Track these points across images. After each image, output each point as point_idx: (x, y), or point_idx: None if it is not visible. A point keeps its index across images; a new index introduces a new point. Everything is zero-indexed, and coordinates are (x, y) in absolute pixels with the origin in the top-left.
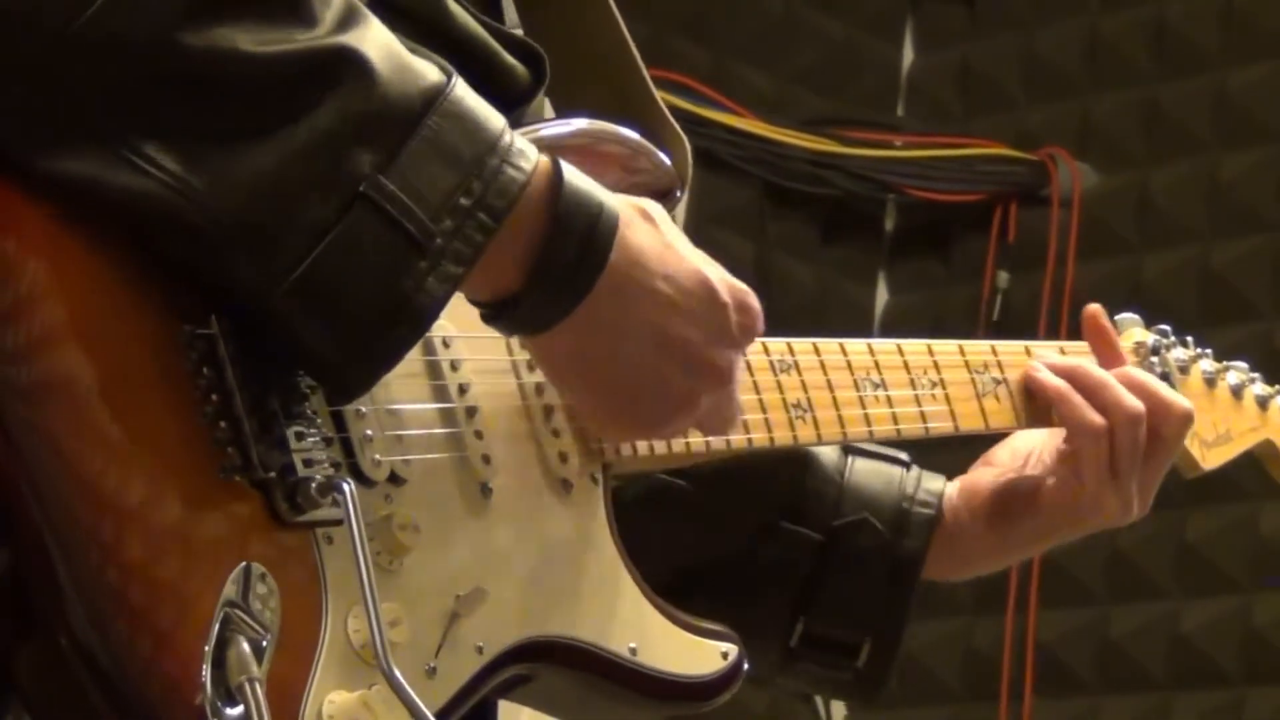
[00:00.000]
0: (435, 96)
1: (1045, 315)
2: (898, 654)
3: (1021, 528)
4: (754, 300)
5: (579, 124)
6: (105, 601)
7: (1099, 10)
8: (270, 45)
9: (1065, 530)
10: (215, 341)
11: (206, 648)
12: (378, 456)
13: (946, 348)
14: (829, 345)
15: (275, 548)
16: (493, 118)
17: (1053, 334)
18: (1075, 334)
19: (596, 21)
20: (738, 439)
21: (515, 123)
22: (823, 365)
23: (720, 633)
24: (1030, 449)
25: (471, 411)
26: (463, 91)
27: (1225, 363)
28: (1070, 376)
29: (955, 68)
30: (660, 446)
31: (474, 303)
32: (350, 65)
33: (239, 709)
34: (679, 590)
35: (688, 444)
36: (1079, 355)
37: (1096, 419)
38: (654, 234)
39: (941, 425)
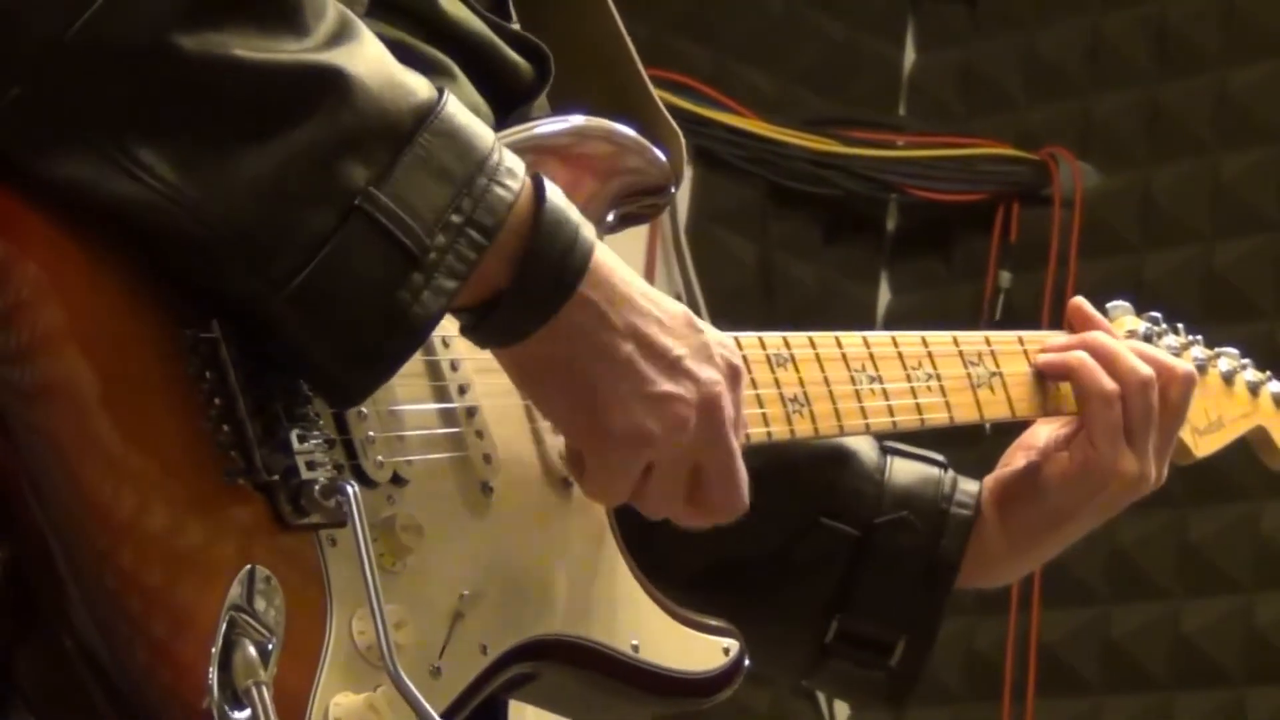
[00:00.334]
0: (426, 113)
1: (1047, 315)
2: (931, 655)
3: (1033, 511)
4: (733, 346)
5: (576, 120)
6: (109, 603)
7: (1100, 10)
8: (263, 53)
9: (1084, 504)
10: (217, 345)
11: (213, 650)
12: (380, 458)
13: (941, 339)
14: (825, 339)
15: (279, 550)
16: (482, 135)
17: None
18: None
19: (593, 17)
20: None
21: (521, 120)
22: (819, 359)
23: (721, 628)
24: (1037, 441)
25: (472, 411)
26: (454, 109)
27: (1216, 349)
28: (1083, 346)
29: (957, 67)
30: None
31: (453, 313)
32: (341, 79)
33: (246, 712)
34: (712, 583)
35: None
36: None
37: (1110, 383)
38: (628, 268)
39: (937, 417)
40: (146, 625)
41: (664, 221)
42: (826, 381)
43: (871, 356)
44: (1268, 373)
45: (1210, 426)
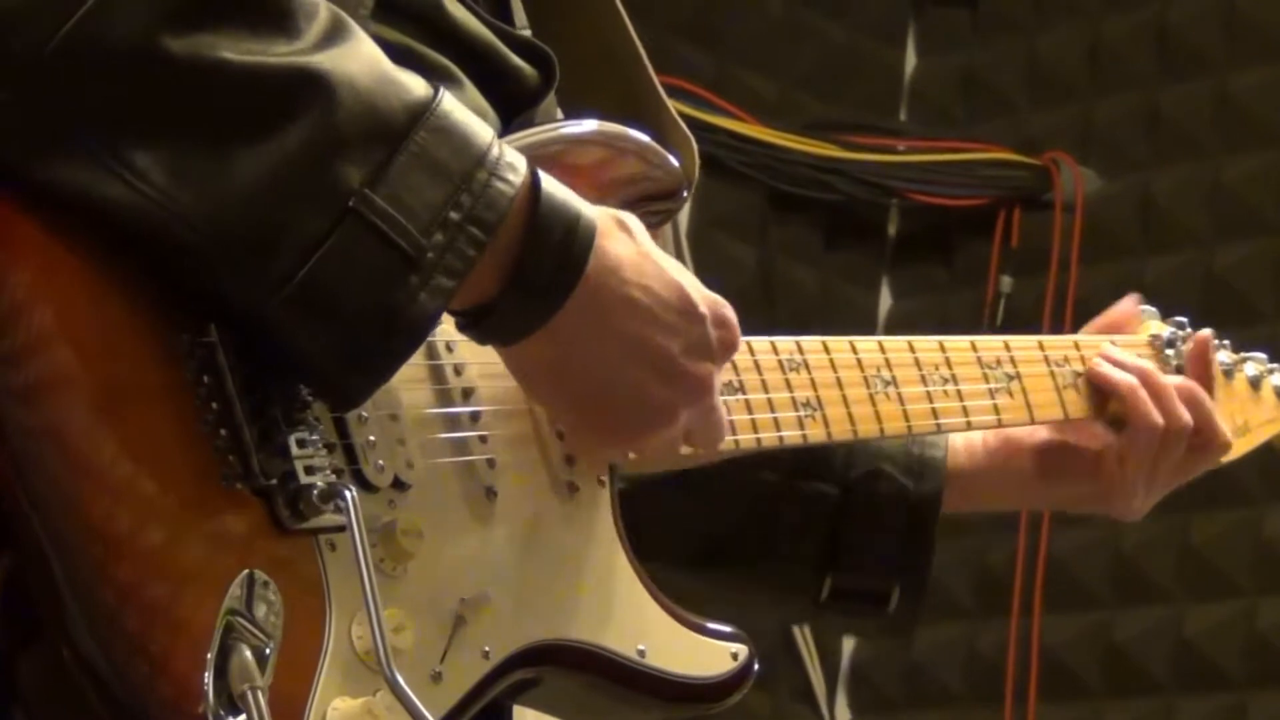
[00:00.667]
0: (421, 111)
1: (1049, 319)
2: (926, 594)
3: (1058, 490)
4: (731, 314)
5: (589, 125)
6: (106, 610)
7: (1101, 14)
8: (252, 56)
9: (1086, 506)
10: (215, 349)
11: (209, 655)
12: (381, 462)
13: (958, 344)
14: (839, 343)
15: (278, 555)
16: (480, 131)
17: None
18: None
19: (604, 22)
20: (746, 439)
21: (526, 124)
22: (832, 364)
23: (729, 633)
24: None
25: (475, 416)
26: (450, 106)
27: (1243, 354)
28: (1138, 375)
29: (958, 72)
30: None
31: (450, 312)
32: (331, 80)
33: (241, 718)
34: (706, 560)
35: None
36: (1092, 349)
37: (1159, 418)
38: (631, 244)
39: (954, 421)
40: (143, 632)
41: (665, 227)
42: (840, 385)
43: (887, 361)
44: None
45: (1236, 431)
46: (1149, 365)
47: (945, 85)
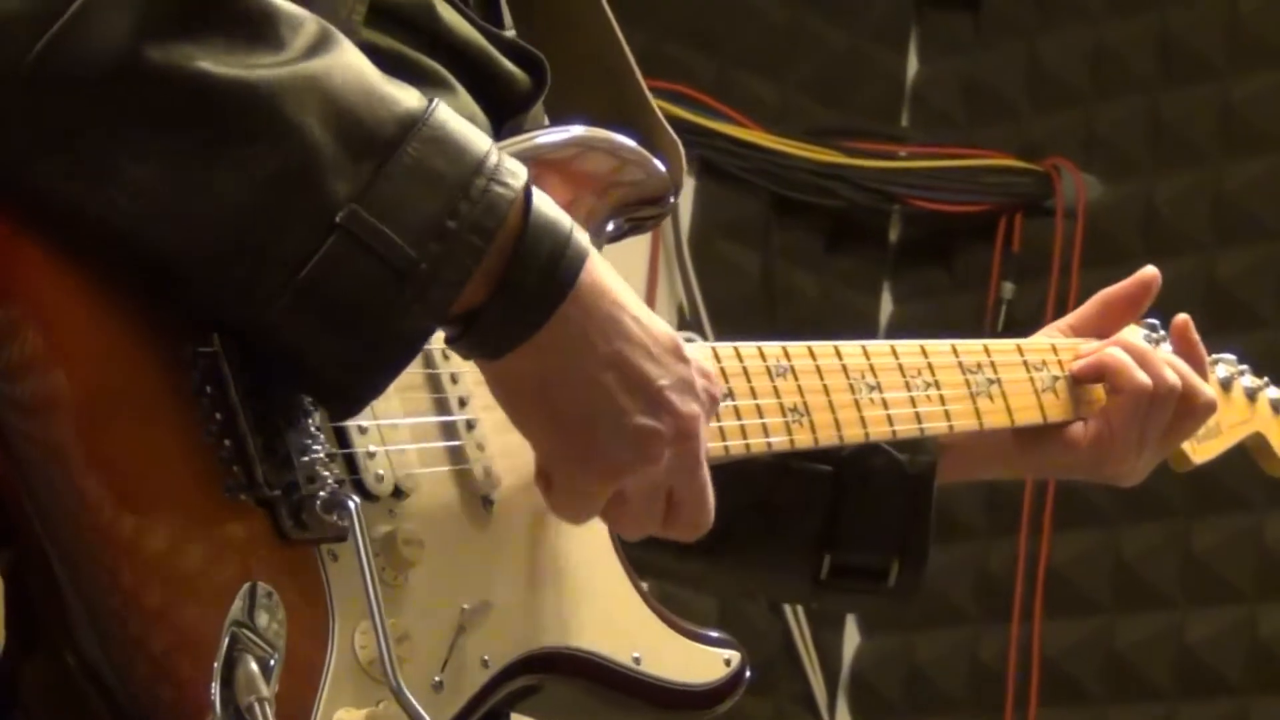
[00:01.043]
0: (412, 123)
1: None
2: (926, 566)
3: (1043, 456)
4: (713, 369)
5: (576, 131)
6: (111, 620)
7: (1103, 20)
8: (233, 69)
9: (1079, 473)
10: (217, 359)
11: (216, 665)
12: (381, 471)
13: (940, 348)
14: (824, 349)
15: (281, 565)
16: (477, 139)
17: None
18: None
19: (592, 27)
20: (736, 445)
21: (516, 129)
22: (818, 370)
23: (722, 640)
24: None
25: (472, 424)
26: (444, 116)
27: (1214, 355)
28: (1119, 344)
29: (960, 78)
30: None
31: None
32: (316, 93)
33: None
34: (702, 544)
35: None
36: (1069, 353)
37: (1145, 379)
38: (620, 279)
39: (937, 425)
40: (148, 641)
41: (666, 232)
42: (826, 391)
43: (871, 366)
44: (1265, 379)
45: (1208, 433)
46: (1127, 337)
47: (947, 91)
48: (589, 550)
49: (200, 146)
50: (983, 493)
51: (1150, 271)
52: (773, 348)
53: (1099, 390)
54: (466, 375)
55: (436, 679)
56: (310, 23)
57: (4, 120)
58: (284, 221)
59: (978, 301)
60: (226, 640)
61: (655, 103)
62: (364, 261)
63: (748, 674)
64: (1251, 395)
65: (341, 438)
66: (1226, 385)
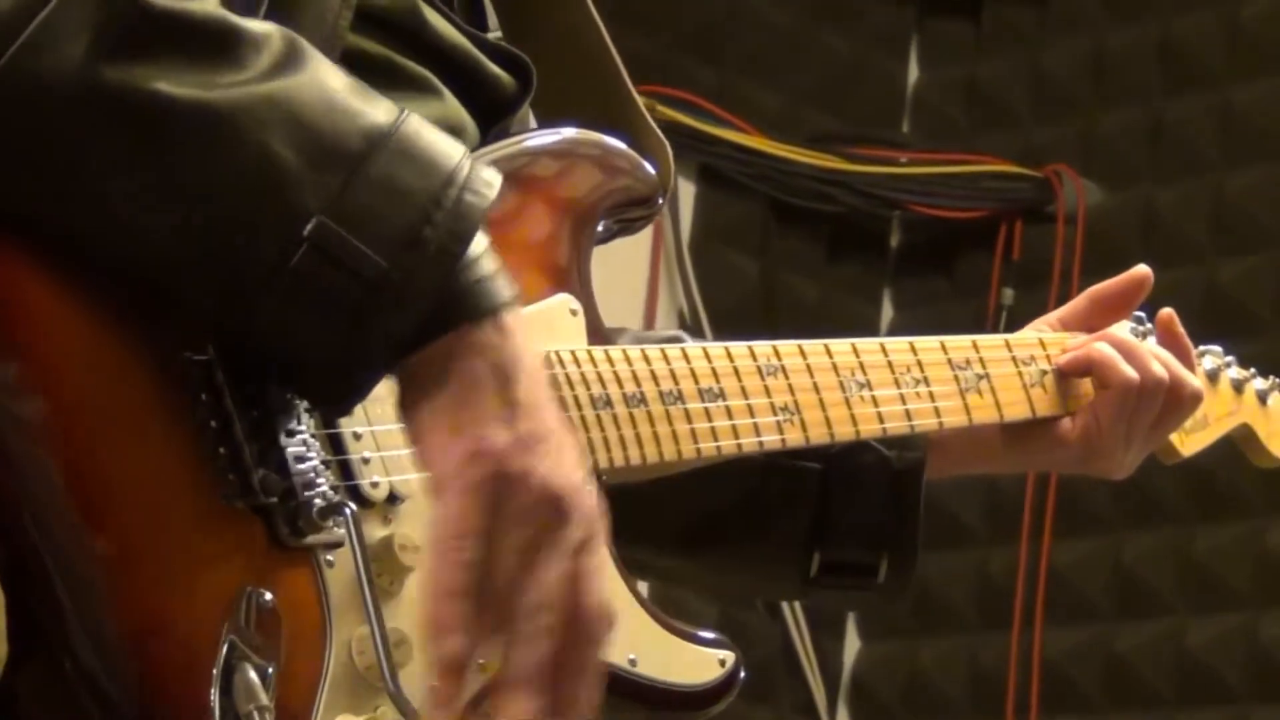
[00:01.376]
0: (380, 136)
1: None
2: (916, 564)
3: (1031, 451)
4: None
5: (566, 133)
6: (109, 627)
7: (1103, 27)
8: (192, 89)
9: (1064, 465)
10: (212, 367)
11: (215, 671)
12: (376, 477)
13: (928, 345)
14: (814, 347)
15: (277, 573)
16: (448, 150)
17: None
18: None
19: (579, 29)
20: (727, 444)
21: (503, 132)
22: (808, 368)
23: (717, 640)
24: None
25: None
26: (414, 129)
27: (1201, 348)
28: (1104, 339)
29: (961, 85)
30: (652, 455)
31: None
32: (277, 111)
33: None
34: (691, 541)
35: (679, 451)
36: (1056, 347)
37: (1132, 373)
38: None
39: (926, 422)
40: (146, 650)
41: (667, 237)
42: (817, 389)
43: (861, 364)
44: (1251, 370)
45: (1195, 425)
46: (1113, 331)
47: (948, 98)
48: None
49: (160, 166)
50: (983, 498)
51: (1143, 270)
52: (763, 346)
53: (1087, 384)
54: None
55: (433, 684)
56: (277, 40)
57: None
58: (249, 237)
59: (978, 307)
60: (225, 648)
61: (643, 103)
62: (333, 273)
63: (742, 674)
64: (1238, 387)
65: (336, 444)
66: (1214, 377)
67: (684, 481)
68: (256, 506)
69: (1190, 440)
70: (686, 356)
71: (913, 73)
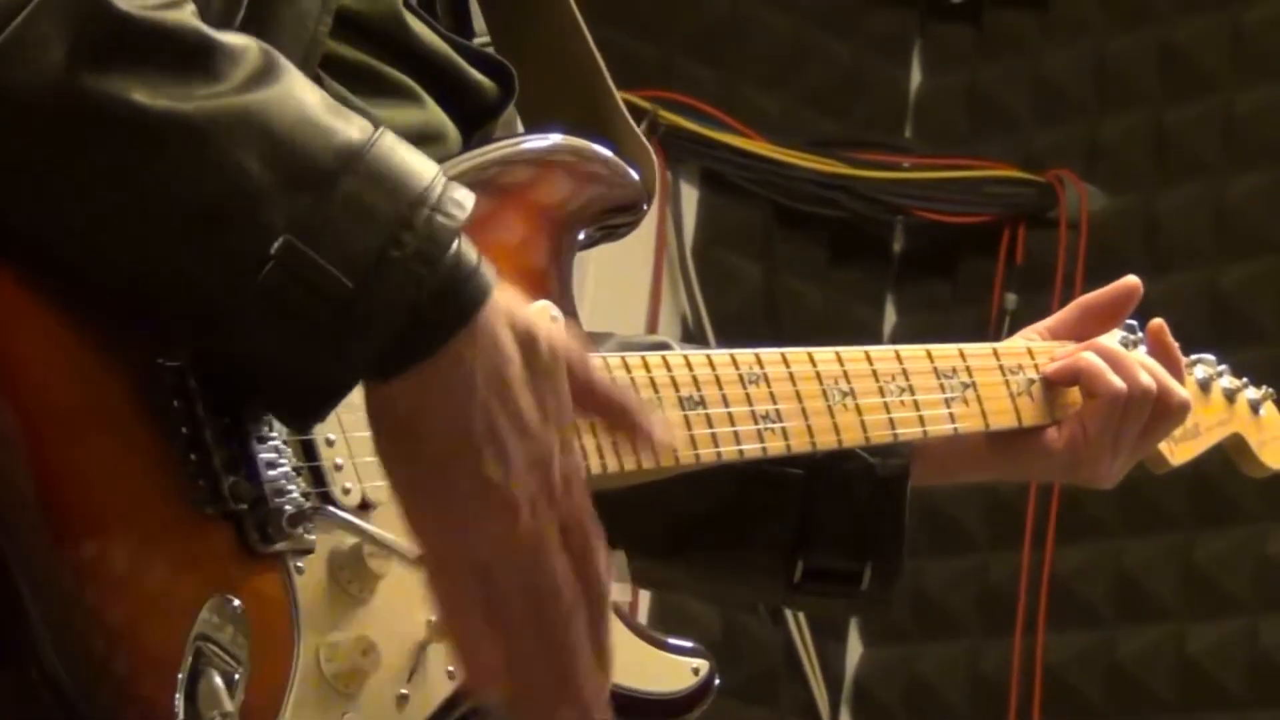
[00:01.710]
0: (351, 155)
1: None
2: (900, 573)
3: (1018, 460)
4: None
5: (551, 139)
6: (74, 634)
7: (1106, 32)
8: (167, 100)
9: (1050, 474)
10: (184, 373)
11: (180, 676)
12: (348, 484)
13: (914, 353)
14: (798, 355)
15: (246, 579)
16: (421, 171)
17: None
18: None
19: (564, 35)
20: (707, 453)
21: (486, 138)
22: (791, 376)
23: (690, 649)
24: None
25: None
26: (387, 148)
27: (1193, 356)
28: (1092, 349)
29: (963, 90)
30: (630, 463)
31: None
32: (251, 125)
33: None
34: (674, 545)
35: (658, 459)
36: (1044, 356)
37: (1119, 383)
38: (528, 323)
39: (910, 430)
40: (111, 655)
41: (670, 242)
42: (799, 397)
43: (845, 372)
44: (1244, 379)
45: (1186, 434)
46: (1101, 340)
47: (950, 102)
48: None
49: (133, 176)
50: (984, 504)
51: (1132, 280)
52: (745, 355)
53: (1074, 393)
54: None
55: (402, 692)
56: (253, 54)
57: None
58: (218, 252)
59: (981, 313)
60: (191, 654)
61: (650, 106)
62: (300, 292)
63: (716, 683)
64: (1230, 396)
65: (308, 450)
66: (1205, 386)
67: (666, 487)
68: (227, 513)
69: (1180, 449)
70: (668, 364)
71: (915, 77)
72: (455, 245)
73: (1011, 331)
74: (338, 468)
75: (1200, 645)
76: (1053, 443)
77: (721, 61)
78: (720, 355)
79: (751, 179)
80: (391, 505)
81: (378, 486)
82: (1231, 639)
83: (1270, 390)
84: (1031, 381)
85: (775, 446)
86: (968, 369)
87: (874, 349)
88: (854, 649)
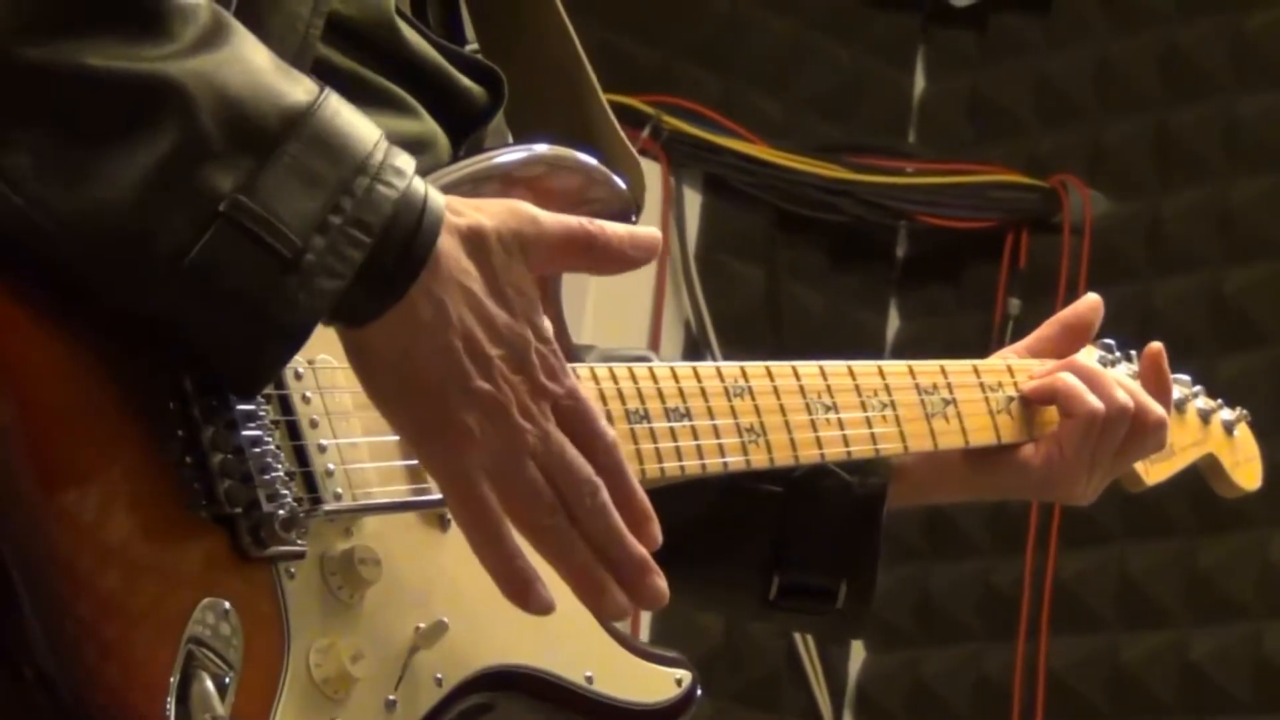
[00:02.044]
0: (296, 118)
1: None
2: (874, 592)
3: (995, 478)
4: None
5: (538, 149)
6: (68, 633)
7: (1109, 37)
8: (117, 61)
9: (1026, 492)
10: (180, 375)
11: (171, 680)
12: (339, 490)
13: (896, 369)
14: (782, 369)
15: (239, 583)
16: (362, 137)
17: None
18: None
19: (554, 44)
20: (691, 465)
21: (476, 145)
22: (775, 390)
23: (673, 659)
24: None
25: None
26: (331, 111)
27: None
28: (1069, 369)
29: (966, 94)
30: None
31: None
32: (198, 86)
33: None
34: (656, 558)
35: (643, 470)
36: (1024, 374)
37: (1096, 402)
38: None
39: (891, 446)
40: (104, 656)
41: (673, 248)
42: (783, 411)
43: (829, 387)
44: (1219, 401)
45: (1161, 455)
46: (1078, 359)
47: (954, 107)
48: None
49: (81, 138)
50: (988, 509)
51: (1093, 298)
52: (731, 368)
53: (1052, 411)
54: None
55: (390, 697)
56: (205, 14)
57: None
58: (167, 210)
59: (984, 318)
60: (182, 657)
61: (653, 112)
62: (248, 249)
63: (698, 693)
64: (1205, 417)
65: (301, 456)
66: (1180, 407)
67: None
68: (220, 516)
69: (1155, 469)
70: (654, 376)
71: (918, 83)
72: (393, 208)
73: (1015, 336)
74: (329, 473)
75: (1203, 651)
76: (1029, 459)
77: (725, 66)
78: (706, 368)
79: (755, 184)
80: (380, 514)
81: (368, 493)
82: (1235, 645)
83: (1245, 412)
84: (1011, 399)
85: (759, 459)
86: (949, 385)
87: (858, 364)
88: (857, 653)
